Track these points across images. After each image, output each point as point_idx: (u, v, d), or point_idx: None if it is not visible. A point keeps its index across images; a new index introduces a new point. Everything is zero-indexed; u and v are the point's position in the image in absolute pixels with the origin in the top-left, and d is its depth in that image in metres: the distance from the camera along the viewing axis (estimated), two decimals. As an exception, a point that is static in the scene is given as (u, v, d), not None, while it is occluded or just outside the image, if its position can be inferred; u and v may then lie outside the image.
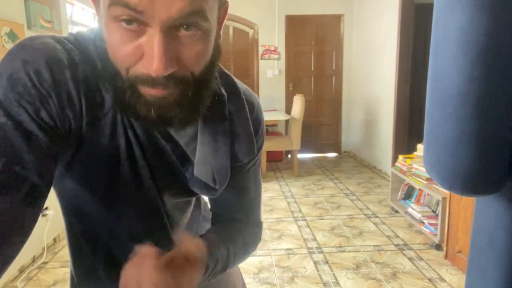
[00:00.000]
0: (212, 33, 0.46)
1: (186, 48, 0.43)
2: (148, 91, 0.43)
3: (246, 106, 0.60)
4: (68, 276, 0.76)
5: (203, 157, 0.55)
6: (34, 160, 0.41)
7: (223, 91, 0.57)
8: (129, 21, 0.40)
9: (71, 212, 0.57)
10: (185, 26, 0.41)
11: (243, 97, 0.60)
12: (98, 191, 0.52)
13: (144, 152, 0.53)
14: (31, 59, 0.43)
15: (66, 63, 0.45)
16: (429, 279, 2.23)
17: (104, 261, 0.59)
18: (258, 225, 0.71)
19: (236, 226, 0.66)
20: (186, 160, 0.56)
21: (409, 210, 2.95)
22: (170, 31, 0.41)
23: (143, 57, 0.41)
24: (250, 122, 0.60)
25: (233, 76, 0.61)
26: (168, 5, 0.39)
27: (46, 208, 2.56)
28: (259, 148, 0.65)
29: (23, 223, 0.40)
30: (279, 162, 5.33)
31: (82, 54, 0.48)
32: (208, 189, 0.57)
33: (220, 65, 0.60)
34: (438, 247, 2.57)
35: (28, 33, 2.39)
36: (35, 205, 0.42)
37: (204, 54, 0.45)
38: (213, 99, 0.53)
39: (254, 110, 0.62)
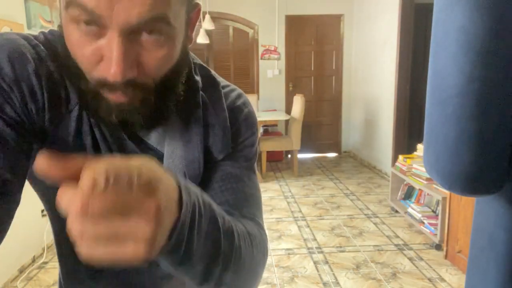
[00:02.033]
0: (177, 38, 0.44)
1: (148, 53, 0.41)
2: (109, 97, 0.42)
3: (223, 99, 0.57)
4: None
5: (172, 150, 0.52)
6: (3, 157, 0.40)
7: (197, 79, 0.55)
8: (88, 23, 0.39)
9: (50, 210, 0.56)
10: (147, 31, 0.40)
11: (221, 89, 0.58)
12: None
13: (111, 152, 0.51)
14: None
15: (29, 58, 0.44)
16: (429, 279, 2.23)
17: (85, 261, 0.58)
18: (260, 225, 0.59)
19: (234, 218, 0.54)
20: (161, 159, 0.54)
21: (409, 210, 2.95)
22: (131, 35, 0.39)
23: (102, 60, 0.40)
24: (227, 115, 0.56)
25: (212, 71, 0.59)
26: (127, 10, 0.37)
27: (46, 208, 2.56)
28: (249, 148, 0.59)
29: None
30: (279, 162, 5.33)
31: (49, 50, 0.47)
32: None
33: (202, 62, 0.59)
34: (438, 247, 2.57)
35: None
36: (9, 201, 0.41)
37: (166, 59, 0.43)
38: (186, 87, 0.51)
39: (243, 110, 0.59)
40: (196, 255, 0.38)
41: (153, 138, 0.53)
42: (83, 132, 0.49)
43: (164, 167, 0.50)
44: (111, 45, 0.39)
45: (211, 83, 0.57)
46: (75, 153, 0.48)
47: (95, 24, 0.39)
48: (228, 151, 0.57)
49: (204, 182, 0.57)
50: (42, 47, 0.47)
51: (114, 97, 0.42)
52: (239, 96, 0.61)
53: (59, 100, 0.47)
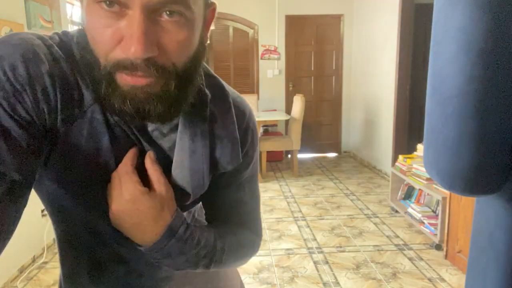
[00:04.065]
0: (196, 24, 0.44)
1: (168, 35, 0.41)
2: (127, 80, 0.42)
3: (233, 110, 0.57)
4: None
5: (180, 160, 0.53)
6: (13, 157, 0.40)
7: (207, 91, 0.55)
8: (110, 3, 0.39)
9: (53, 213, 0.56)
10: (167, 12, 0.40)
11: (230, 101, 0.58)
12: (77, 191, 0.50)
13: (125, 154, 0.51)
14: (7, 54, 0.42)
15: (43, 58, 0.44)
16: (429, 279, 2.23)
17: (87, 264, 0.57)
18: (257, 234, 0.66)
19: (231, 228, 0.63)
20: (170, 165, 0.54)
21: (409, 210, 2.95)
22: (152, 15, 0.40)
23: (122, 41, 0.40)
24: (236, 127, 0.57)
25: (221, 80, 0.59)
26: None
27: (46, 208, 2.55)
28: (251, 159, 0.62)
29: (5, 220, 0.40)
30: (279, 162, 5.33)
31: (63, 50, 0.47)
32: (182, 195, 0.54)
33: (208, 66, 0.59)
34: (438, 247, 2.57)
35: (28, 33, 2.38)
36: (17, 202, 0.41)
37: (186, 43, 0.43)
38: (195, 99, 0.51)
39: (245, 118, 0.60)
40: (174, 259, 0.53)
41: (166, 143, 0.53)
42: (96, 134, 0.48)
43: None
44: (132, 23, 0.39)
45: (220, 95, 0.57)
46: (88, 153, 0.48)
47: (117, 4, 0.39)
48: (237, 162, 0.58)
49: (212, 203, 0.61)
50: (56, 48, 0.47)
51: (133, 81, 0.42)
52: (250, 112, 0.61)
53: (72, 101, 0.47)
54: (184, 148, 0.53)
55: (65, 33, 0.50)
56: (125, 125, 0.50)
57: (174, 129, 0.53)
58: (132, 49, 0.39)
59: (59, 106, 0.46)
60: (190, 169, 0.53)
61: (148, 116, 0.44)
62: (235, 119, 0.57)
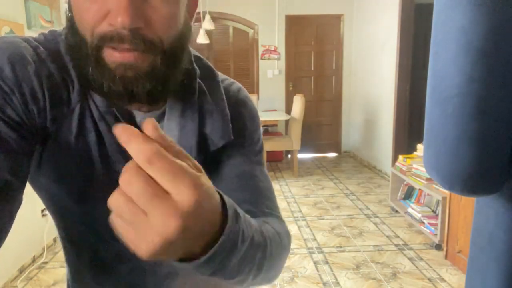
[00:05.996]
0: (182, 2, 0.45)
1: (154, 10, 0.42)
2: (114, 56, 0.42)
3: (222, 89, 0.58)
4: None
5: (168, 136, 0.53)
6: (4, 158, 0.41)
7: (195, 66, 0.55)
8: None
9: (53, 211, 0.56)
10: None
11: (219, 79, 0.59)
12: (72, 189, 0.50)
13: (119, 146, 0.50)
14: None
15: (29, 59, 0.45)
16: (429, 279, 2.23)
17: (89, 263, 0.57)
18: (280, 218, 0.57)
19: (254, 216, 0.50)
20: None
21: (409, 210, 2.95)
22: None
23: (108, 14, 0.41)
24: (226, 103, 0.57)
25: (208, 61, 0.60)
26: None
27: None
28: (255, 133, 0.60)
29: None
30: (279, 162, 5.33)
31: (49, 50, 0.48)
32: None
33: (199, 54, 0.59)
34: (438, 247, 2.57)
35: (28, 33, 2.39)
36: (10, 202, 0.42)
37: (172, 19, 0.44)
38: (184, 76, 0.51)
39: (234, 93, 0.60)
40: (228, 271, 0.37)
41: None
42: (86, 130, 0.49)
43: None
44: None
45: (208, 74, 0.58)
46: (79, 151, 0.48)
47: None
48: (229, 138, 0.56)
49: (218, 179, 0.57)
50: (42, 48, 0.47)
51: (121, 57, 0.42)
52: (240, 89, 0.62)
53: (61, 100, 0.47)
54: (172, 128, 0.53)
55: (52, 32, 0.51)
56: (112, 118, 0.50)
57: (162, 117, 0.54)
58: (119, 19, 0.40)
59: (47, 106, 0.46)
60: (180, 145, 0.53)
61: (136, 95, 0.45)
62: (224, 96, 0.57)
